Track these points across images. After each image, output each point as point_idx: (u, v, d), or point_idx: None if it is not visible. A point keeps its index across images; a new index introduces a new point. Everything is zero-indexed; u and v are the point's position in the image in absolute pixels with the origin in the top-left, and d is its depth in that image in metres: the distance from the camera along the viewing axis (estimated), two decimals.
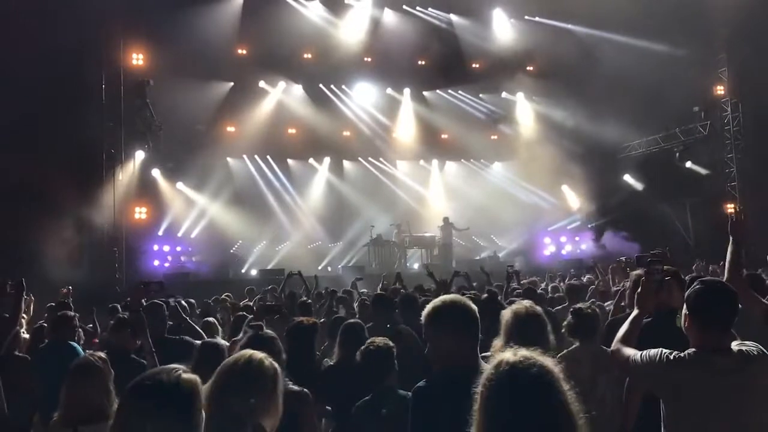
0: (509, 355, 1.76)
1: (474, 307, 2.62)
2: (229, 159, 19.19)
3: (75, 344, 4.96)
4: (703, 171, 19.90)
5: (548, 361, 1.75)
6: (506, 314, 3.32)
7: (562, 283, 9.54)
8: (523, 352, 1.76)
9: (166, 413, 1.76)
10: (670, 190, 20.18)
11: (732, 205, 16.80)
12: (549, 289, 8.77)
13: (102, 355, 3.30)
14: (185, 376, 1.85)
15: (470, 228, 19.42)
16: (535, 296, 6.56)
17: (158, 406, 1.76)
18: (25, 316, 7.63)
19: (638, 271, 4.58)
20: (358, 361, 3.52)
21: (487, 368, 1.79)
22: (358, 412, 3.41)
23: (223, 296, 9.42)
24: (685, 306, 2.67)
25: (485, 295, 5.96)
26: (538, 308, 3.51)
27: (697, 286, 2.64)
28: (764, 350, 2.57)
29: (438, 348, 2.58)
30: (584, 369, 3.52)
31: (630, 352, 2.80)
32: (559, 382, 1.70)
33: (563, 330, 4.04)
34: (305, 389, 3.14)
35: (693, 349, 2.60)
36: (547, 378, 1.69)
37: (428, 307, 2.64)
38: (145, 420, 1.74)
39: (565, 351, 3.79)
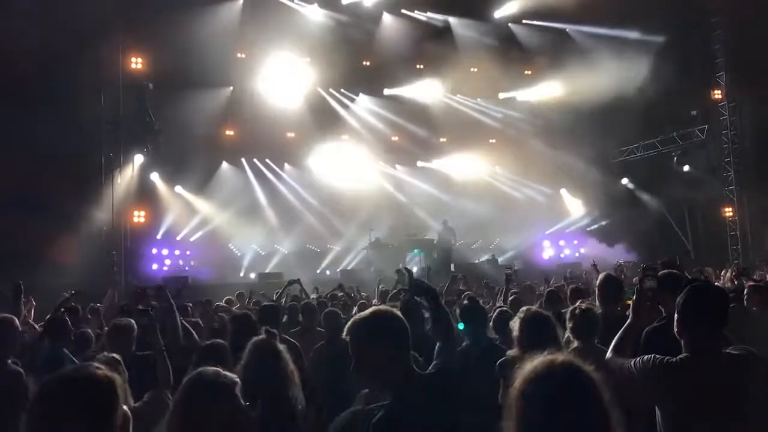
0: (549, 360, 1.69)
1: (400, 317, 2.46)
2: (227, 162, 19.21)
3: (66, 351, 4.92)
4: (701, 175, 19.95)
5: (586, 366, 1.71)
6: (515, 321, 3.37)
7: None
8: (562, 357, 1.70)
9: (79, 414, 1.62)
10: (668, 193, 20.23)
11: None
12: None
13: (116, 356, 3.33)
14: (101, 372, 1.71)
15: (468, 234, 19.50)
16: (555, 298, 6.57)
17: (70, 406, 1.63)
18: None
19: (603, 275, 4.67)
20: None
21: (521, 376, 1.71)
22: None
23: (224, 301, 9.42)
24: (676, 311, 2.68)
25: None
26: (545, 311, 3.55)
27: (686, 291, 2.65)
28: (755, 352, 2.59)
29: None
30: None
31: (623, 360, 2.82)
32: (601, 387, 1.66)
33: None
34: None
35: (685, 354, 2.62)
36: (589, 382, 1.64)
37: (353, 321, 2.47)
38: (56, 422, 1.61)
39: (566, 352, 3.80)
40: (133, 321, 4.40)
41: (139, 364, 3.83)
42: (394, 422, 2.31)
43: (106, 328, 4.43)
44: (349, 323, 2.47)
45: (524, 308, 3.59)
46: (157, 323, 3.76)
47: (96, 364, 1.77)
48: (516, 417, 1.65)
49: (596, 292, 4.58)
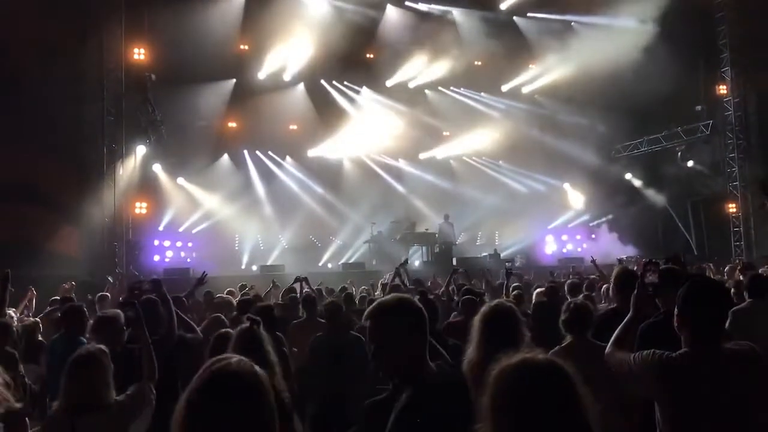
0: (520, 358, 1.64)
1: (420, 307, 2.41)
2: (230, 154, 19.19)
3: (84, 339, 4.99)
4: (705, 170, 19.89)
5: (557, 360, 1.67)
6: (476, 319, 3.14)
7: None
8: (527, 354, 1.65)
9: (242, 403, 1.60)
10: (672, 189, 20.18)
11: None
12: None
13: (103, 347, 3.32)
14: (257, 367, 1.70)
15: (471, 227, 19.48)
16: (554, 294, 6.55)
17: (235, 395, 1.59)
18: (26, 311, 7.68)
19: (619, 268, 4.62)
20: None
21: (494, 374, 1.64)
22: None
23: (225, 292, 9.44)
24: (676, 306, 2.65)
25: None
26: (507, 304, 3.40)
27: (687, 286, 2.62)
28: (755, 348, 2.56)
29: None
30: (578, 364, 3.48)
31: (623, 354, 2.79)
32: (574, 380, 1.61)
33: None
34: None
35: (685, 349, 2.58)
36: (564, 377, 1.60)
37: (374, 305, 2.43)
38: (221, 411, 1.57)
39: (557, 347, 3.77)
40: (120, 313, 4.39)
41: (128, 358, 3.81)
42: (418, 413, 2.22)
43: (91, 321, 4.40)
44: (373, 307, 2.37)
45: (490, 304, 3.34)
46: (145, 316, 3.74)
47: (245, 359, 1.73)
48: (487, 419, 1.58)
49: (611, 285, 4.54)
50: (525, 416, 1.53)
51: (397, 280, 8.26)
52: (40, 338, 6.29)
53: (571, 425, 1.54)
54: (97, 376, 3.12)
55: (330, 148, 20.39)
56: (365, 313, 2.40)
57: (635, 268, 8.60)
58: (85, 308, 5.45)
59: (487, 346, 2.81)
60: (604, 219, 21.01)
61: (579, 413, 1.56)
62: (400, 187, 20.90)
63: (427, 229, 18.70)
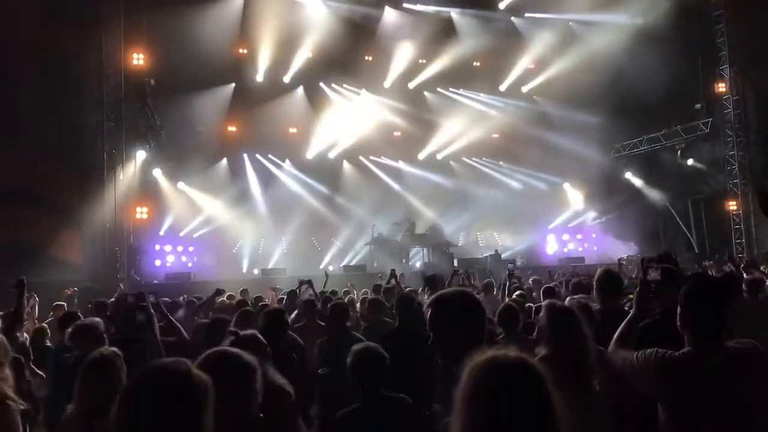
0: (489, 354, 1.62)
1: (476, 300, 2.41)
2: (229, 158, 19.22)
3: None
4: (705, 168, 19.89)
5: (528, 358, 1.63)
6: (541, 320, 3.19)
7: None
8: (499, 351, 1.62)
9: (174, 404, 1.62)
10: (672, 187, 20.17)
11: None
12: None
13: (115, 349, 3.33)
14: (195, 370, 1.71)
15: (471, 227, 19.50)
16: (553, 295, 6.55)
17: (167, 396, 1.62)
18: (28, 317, 7.69)
19: (600, 270, 4.62)
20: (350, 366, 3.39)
21: (466, 370, 1.62)
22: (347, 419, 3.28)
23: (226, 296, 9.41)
24: (678, 305, 2.64)
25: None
26: (563, 304, 3.42)
27: (689, 285, 2.62)
28: (758, 346, 2.56)
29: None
30: None
31: (625, 353, 2.78)
32: (544, 378, 1.58)
33: None
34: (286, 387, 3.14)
35: (687, 349, 2.58)
36: (532, 375, 1.57)
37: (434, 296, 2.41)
38: (152, 409, 1.62)
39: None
40: (97, 321, 4.38)
41: None
42: None
43: (68, 330, 4.42)
44: (442, 298, 2.34)
45: (548, 303, 3.40)
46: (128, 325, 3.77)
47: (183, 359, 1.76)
48: (457, 410, 1.57)
49: (594, 286, 4.53)
50: (491, 412, 1.51)
51: (392, 282, 8.27)
52: (48, 343, 6.29)
53: (536, 423, 1.52)
54: (111, 378, 3.13)
55: (329, 145, 20.37)
56: (434, 300, 2.37)
57: (633, 267, 8.60)
58: (79, 314, 5.45)
59: (558, 342, 2.88)
60: (604, 218, 21.02)
61: (546, 411, 1.54)
62: (399, 188, 20.91)
63: (427, 231, 18.72)
